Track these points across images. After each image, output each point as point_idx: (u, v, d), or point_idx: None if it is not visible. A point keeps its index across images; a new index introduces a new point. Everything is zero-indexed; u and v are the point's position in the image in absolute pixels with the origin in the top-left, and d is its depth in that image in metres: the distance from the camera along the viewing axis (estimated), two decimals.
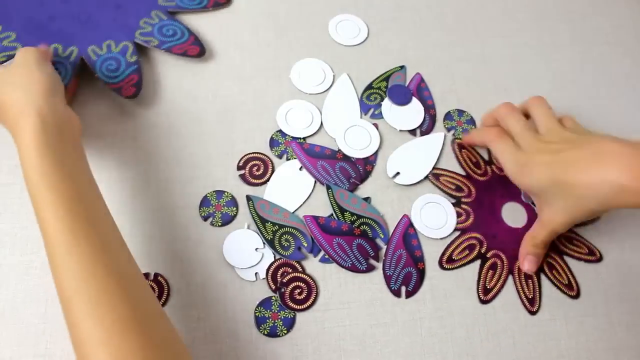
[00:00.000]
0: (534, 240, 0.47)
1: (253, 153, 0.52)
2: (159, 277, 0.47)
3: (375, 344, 0.46)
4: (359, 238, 0.49)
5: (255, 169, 0.51)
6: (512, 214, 0.51)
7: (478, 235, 0.50)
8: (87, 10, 0.57)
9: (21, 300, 0.46)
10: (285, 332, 0.46)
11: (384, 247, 0.49)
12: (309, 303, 0.47)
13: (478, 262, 0.49)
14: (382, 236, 0.49)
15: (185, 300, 0.46)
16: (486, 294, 0.48)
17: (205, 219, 0.49)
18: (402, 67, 0.58)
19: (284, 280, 0.47)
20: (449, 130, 0.55)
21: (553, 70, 0.59)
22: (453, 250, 0.49)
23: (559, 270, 0.49)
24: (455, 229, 0.50)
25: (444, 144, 0.54)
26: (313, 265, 0.48)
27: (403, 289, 0.48)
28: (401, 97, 0.55)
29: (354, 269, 0.48)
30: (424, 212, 0.50)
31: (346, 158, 0.52)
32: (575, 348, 0.47)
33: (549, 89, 0.58)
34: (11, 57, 0.53)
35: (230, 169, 0.52)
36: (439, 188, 0.52)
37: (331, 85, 0.56)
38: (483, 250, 0.50)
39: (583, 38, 0.62)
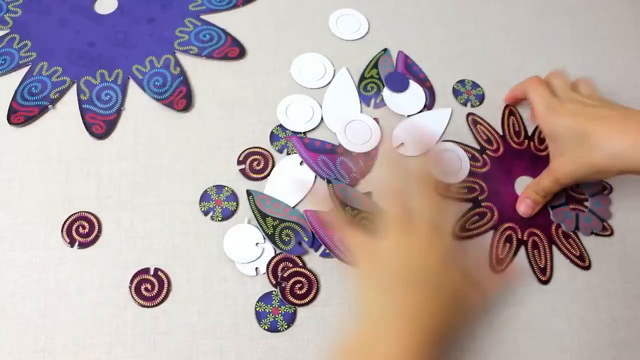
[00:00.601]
0: (537, 186, 0.49)
1: (253, 148, 0.52)
2: (159, 272, 0.47)
3: None
4: None
5: (256, 164, 0.51)
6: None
7: (491, 205, 0.51)
8: (122, 29, 0.57)
9: (20, 296, 0.46)
10: (286, 327, 0.45)
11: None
12: (309, 298, 0.46)
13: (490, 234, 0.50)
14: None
15: (185, 295, 0.46)
16: (499, 265, 0.49)
17: (205, 213, 0.49)
18: (385, 50, 0.58)
19: (285, 275, 0.47)
20: (465, 104, 0.56)
21: (554, 64, 0.59)
22: (466, 221, 0.50)
23: (572, 244, 0.50)
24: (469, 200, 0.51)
25: (450, 118, 0.55)
26: (314, 260, 0.48)
27: None
28: (399, 84, 0.55)
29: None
30: None
31: (347, 152, 0.52)
32: (577, 343, 0.47)
33: None
34: (63, 92, 0.53)
35: (230, 164, 0.51)
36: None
37: (332, 80, 0.56)
38: (496, 222, 0.50)
39: (584, 32, 0.62)
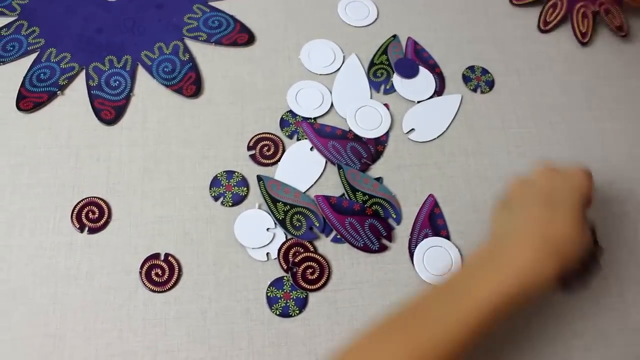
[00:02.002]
0: None
1: (263, 133, 0.52)
2: (170, 257, 0.47)
3: None
4: (371, 218, 0.48)
5: (266, 149, 0.51)
6: None
7: None
8: (131, 15, 0.57)
9: (31, 281, 0.45)
10: (298, 312, 0.45)
11: (396, 227, 0.49)
12: (321, 283, 0.46)
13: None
14: (395, 216, 0.49)
15: (196, 281, 0.46)
16: (545, 25, 0.57)
17: (216, 199, 0.49)
18: (394, 36, 0.58)
19: (296, 260, 0.47)
20: (475, 90, 0.55)
21: (565, 51, 0.59)
22: None
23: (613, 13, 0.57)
24: None
25: (460, 104, 0.54)
26: (325, 245, 0.48)
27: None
28: (409, 70, 0.55)
29: (366, 249, 0.47)
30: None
31: (357, 138, 0.52)
32: (591, 329, 0.46)
33: (562, 71, 0.57)
34: (72, 78, 0.53)
35: (240, 149, 0.51)
36: None
37: (341, 66, 0.56)
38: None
39: None
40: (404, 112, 0.54)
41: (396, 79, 0.55)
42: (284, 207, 0.48)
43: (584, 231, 0.40)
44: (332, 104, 0.53)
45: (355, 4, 0.59)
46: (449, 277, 0.38)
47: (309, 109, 0.53)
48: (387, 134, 0.52)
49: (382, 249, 0.48)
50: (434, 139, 0.53)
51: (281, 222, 0.48)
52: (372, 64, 0.56)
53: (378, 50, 0.57)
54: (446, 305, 0.36)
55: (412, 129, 0.53)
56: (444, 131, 0.53)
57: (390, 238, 0.48)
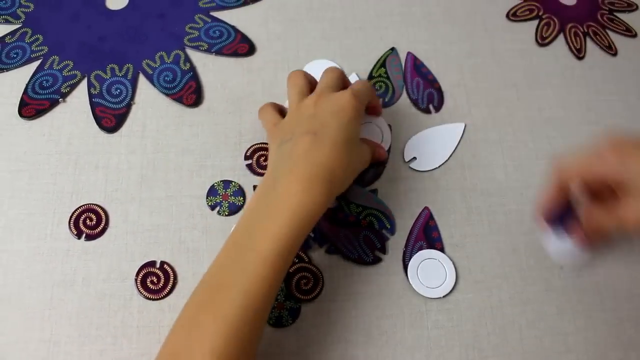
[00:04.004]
0: (600, 229, 0.42)
1: (261, 144, 0.52)
2: (165, 265, 0.47)
3: (381, 336, 0.46)
4: (366, 230, 0.48)
5: (263, 159, 0.51)
6: None
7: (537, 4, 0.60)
8: (133, 25, 0.57)
9: (27, 286, 0.46)
10: (291, 322, 0.45)
11: (390, 238, 0.49)
12: (314, 293, 0.46)
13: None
14: (389, 227, 0.49)
15: (191, 289, 0.45)
16: (543, 40, 0.59)
17: (212, 208, 0.49)
18: (392, 49, 0.58)
19: (290, 271, 0.47)
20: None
21: (563, 65, 0.59)
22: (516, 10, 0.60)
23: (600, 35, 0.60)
24: None
25: (463, 133, 0.54)
26: (319, 256, 0.48)
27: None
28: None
29: (360, 260, 0.48)
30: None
31: None
32: (584, 343, 0.46)
33: (559, 85, 0.58)
34: (74, 86, 0.54)
35: (238, 159, 0.52)
36: None
37: None
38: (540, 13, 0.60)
39: None
40: (406, 121, 0.54)
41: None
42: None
43: (352, 152, 0.43)
44: None
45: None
46: (234, 232, 0.41)
47: None
48: (388, 150, 0.52)
49: (376, 260, 0.48)
50: (435, 168, 0.53)
51: None
52: (370, 76, 0.56)
53: (376, 63, 0.57)
54: (237, 267, 0.38)
55: (414, 158, 0.53)
56: (445, 161, 0.53)
57: (384, 250, 0.48)
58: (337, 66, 0.56)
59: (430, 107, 0.55)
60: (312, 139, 0.41)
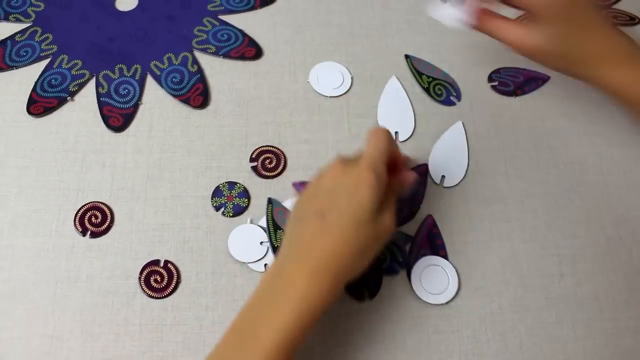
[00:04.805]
0: (496, 34, 0.47)
1: (266, 146, 0.53)
2: (169, 265, 0.47)
3: (382, 340, 0.46)
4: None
5: (268, 162, 0.52)
6: None
7: None
8: (142, 26, 0.58)
9: (31, 282, 0.46)
10: None
11: (402, 271, 0.49)
12: None
13: None
14: (401, 259, 0.49)
15: (194, 288, 0.47)
16: None
17: (217, 209, 0.50)
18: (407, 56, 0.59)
19: None
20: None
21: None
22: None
23: None
24: None
25: (466, 131, 0.55)
26: None
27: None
28: None
29: (359, 297, 0.47)
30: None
31: None
32: (583, 351, 0.47)
33: (562, 94, 0.58)
34: (82, 85, 0.54)
35: (243, 161, 0.52)
36: None
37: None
38: None
39: None
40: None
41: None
42: (282, 234, 0.48)
43: (366, 234, 0.38)
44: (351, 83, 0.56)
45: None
46: (238, 317, 0.38)
47: (328, 88, 0.55)
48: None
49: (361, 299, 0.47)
50: (464, 177, 0.53)
51: (276, 249, 0.48)
52: (425, 85, 0.57)
53: (415, 72, 0.58)
54: (236, 356, 0.36)
55: (443, 176, 0.53)
56: (468, 165, 0.54)
57: (374, 294, 0.48)
58: (346, 68, 0.57)
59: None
60: (320, 223, 0.38)
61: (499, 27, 0.46)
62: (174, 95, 0.54)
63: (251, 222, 0.49)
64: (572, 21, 0.44)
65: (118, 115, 0.53)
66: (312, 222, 0.38)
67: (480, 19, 0.47)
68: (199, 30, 0.58)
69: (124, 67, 0.55)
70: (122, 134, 0.53)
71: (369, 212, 0.38)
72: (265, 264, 0.48)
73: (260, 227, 0.49)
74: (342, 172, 0.40)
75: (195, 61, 0.56)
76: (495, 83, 0.58)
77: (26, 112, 0.53)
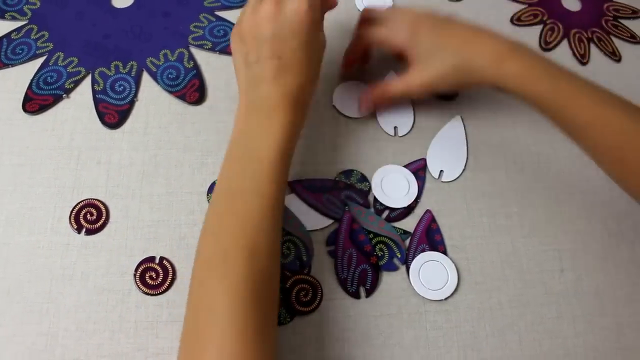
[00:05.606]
0: (388, 92, 0.52)
1: None
2: (164, 261, 0.47)
3: (379, 335, 0.46)
4: (367, 264, 0.48)
5: None
6: None
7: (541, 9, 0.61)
8: (138, 23, 0.58)
9: (26, 279, 0.46)
10: (289, 320, 0.45)
11: (401, 267, 0.48)
12: (314, 305, 0.46)
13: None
14: (399, 255, 0.48)
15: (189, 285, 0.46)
16: (547, 44, 0.60)
17: None
18: None
19: (287, 285, 0.46)
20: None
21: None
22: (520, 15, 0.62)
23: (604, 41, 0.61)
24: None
25: (464, 126, 0.55)
26: (318, 260, 0.48)
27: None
28: None
29: (354, 295, 0.47)
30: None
31: (349, 186, 0.51)
32: (583, 347, 0.46)
33: None
34: (78, 82, 0.54)
35: None
36: None
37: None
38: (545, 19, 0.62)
39: None
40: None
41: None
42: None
43: (314, 56, 0.45)
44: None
45: None
46: (230, 150, 0.44)
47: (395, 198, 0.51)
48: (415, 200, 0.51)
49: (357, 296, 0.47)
50: (462, 172, 0.53)
51: None
52: None
53: None
54: (246, 176, 0.41)
55: (442, 171, 0.52)
56: (467, 159, 0.53)
57: (371, 291, 0.47)
58: None
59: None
60: (278, 64, 0.43)
61: (387, 89, 0.52)
62: (170, 92, 0.54)
63: None
64: (430, 38, 0.48)
65: (114, 112, 0.53)
66: (270, 63, 0.43)
67: (372, 99, 0.53)
68: (195, 27, 0.58)
69: (120, 64, 0.55)
70: (117, 130, 0.52)
71: (315, 42, 0.45)
72: None
73: None
74: (281, 15, 0.43)
75: (191, 57, 0.56)
76: None
77: (22, 110, 0.52)
